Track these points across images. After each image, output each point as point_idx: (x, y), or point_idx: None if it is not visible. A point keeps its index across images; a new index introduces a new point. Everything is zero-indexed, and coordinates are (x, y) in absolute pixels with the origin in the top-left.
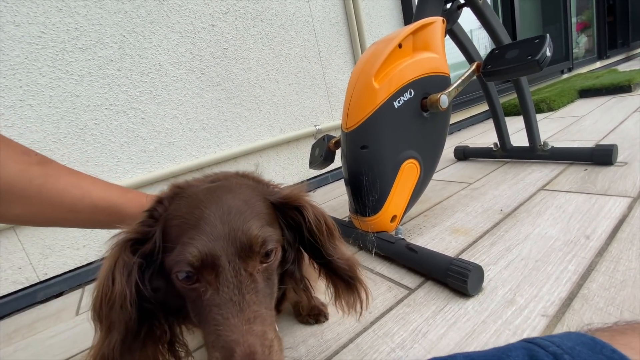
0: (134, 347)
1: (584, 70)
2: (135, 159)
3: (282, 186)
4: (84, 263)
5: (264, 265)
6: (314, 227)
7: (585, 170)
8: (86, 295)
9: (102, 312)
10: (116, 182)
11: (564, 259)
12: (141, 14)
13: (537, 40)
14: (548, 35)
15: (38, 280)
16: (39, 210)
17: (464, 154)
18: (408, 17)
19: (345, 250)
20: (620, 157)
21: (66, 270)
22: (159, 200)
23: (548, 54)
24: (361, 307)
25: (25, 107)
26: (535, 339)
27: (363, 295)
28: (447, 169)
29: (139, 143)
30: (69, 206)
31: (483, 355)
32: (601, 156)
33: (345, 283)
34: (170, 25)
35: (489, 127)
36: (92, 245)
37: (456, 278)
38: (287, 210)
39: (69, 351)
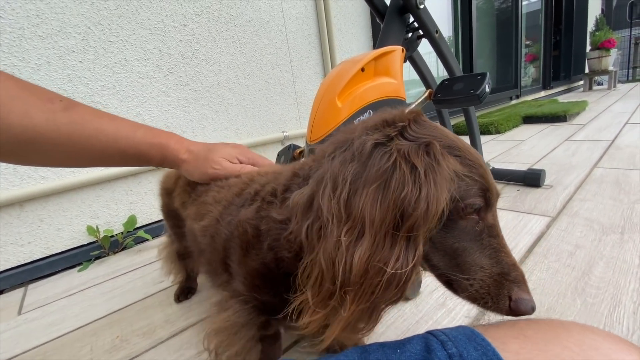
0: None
1: (529, 98)
2: None
3: None
4: (28, 261)
5: None
6: None
7: (518, 190)
8: (29, 294)
9: (363, 280)
10: (70, 178)
11: None
12: (109, 6)
13: (479, 77)
14: (488, 73)
15: None
16: (70, 156)
17: None
18: (376, 35)
19: None
20: (547, 181)
21: (8, 267)
22: None
23: (487, 89)
24: None
25: None
26: (433, 330)
27: None
28: None
29: None
30: (99, 152)
31: (393, 343)
32: (531, 179)
33: None
34: (139, 21)
35: None
36: (37, 242)
37: None
38: None
39: (9, 352)
